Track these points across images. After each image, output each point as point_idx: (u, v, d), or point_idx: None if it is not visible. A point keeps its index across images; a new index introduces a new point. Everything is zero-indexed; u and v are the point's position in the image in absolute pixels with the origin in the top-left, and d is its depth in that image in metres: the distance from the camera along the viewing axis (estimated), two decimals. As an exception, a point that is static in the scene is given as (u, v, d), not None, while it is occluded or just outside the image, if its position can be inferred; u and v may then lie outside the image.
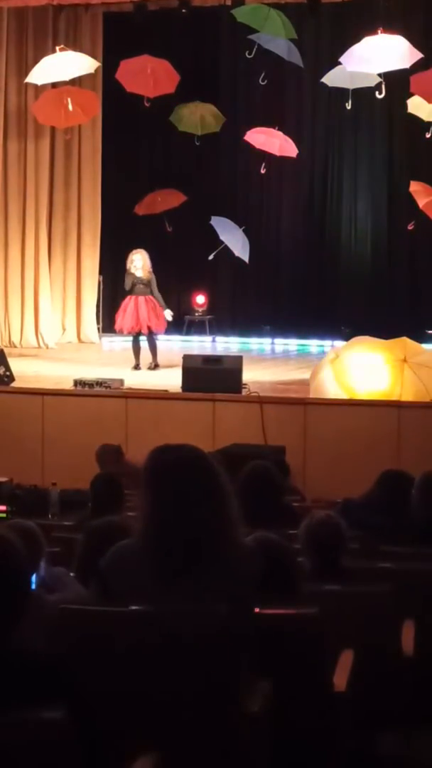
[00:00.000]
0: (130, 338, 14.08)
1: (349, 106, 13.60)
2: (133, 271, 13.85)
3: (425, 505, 5.48)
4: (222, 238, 14.57)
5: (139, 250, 13.95)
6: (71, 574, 4.38)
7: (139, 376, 13.27)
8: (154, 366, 13.84)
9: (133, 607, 3.20)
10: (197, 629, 3.14)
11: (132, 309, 13.87)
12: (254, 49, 13.08)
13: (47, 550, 4.42)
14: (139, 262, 13.84)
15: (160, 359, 13.95)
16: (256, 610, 3.55)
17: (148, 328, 13.86)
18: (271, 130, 14.54)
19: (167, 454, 3.43)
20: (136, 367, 13.89)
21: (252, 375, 12.46)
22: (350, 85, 13.30)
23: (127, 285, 13.90)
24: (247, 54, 13.22)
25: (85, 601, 3.51)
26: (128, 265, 13.92)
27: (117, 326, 14.25)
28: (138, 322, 13.85)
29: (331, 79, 13.57)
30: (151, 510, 3.36)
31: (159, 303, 14.00)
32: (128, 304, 13.96)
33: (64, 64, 13.49)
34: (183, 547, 3.27)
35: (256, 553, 3.47)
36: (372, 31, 12.47)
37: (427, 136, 13.59)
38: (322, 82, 13.83)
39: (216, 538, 3.30)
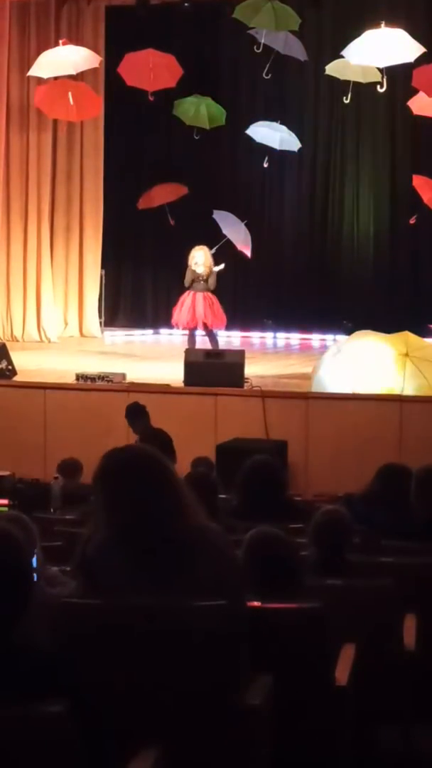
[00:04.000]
0: (133, 332, 14.06)
1: (347, 100, 13.55)
2: (193, 267, 13.85)
3: (425, 499, 5.47)
4: (224, 231, 14.56)
5: (201, 246, 13.94)
6: (67, 569, 4.37)
7: (141, 370, 13.27)
8: None
9: (132, 601, 3.20)
10: (194, 620, 3.14)
11: (189, 304, 13.86)
12: (261, 45, 13.03)
13: (45, 544, 4.41)
14: (200, 259, 13.82)
15: (160, 354, 13.94)
16: (258, 604, 3.55)
17: (204, 324, 13.86)
18: (272, 124, 14.52)
19: (116, 454, 3.44)
20: None
21: (254, 369, 12.46)
22: (363, 79, 13.23)
23: (187, 281, 13.90)
24: (255, 48, 13.15)
25: (85, 596, 3.51)
26: (189, 261, 13.92)
27: (173, 320, 14.24)
28: (194, 318, 13.85)
29: (340, 71, 13.47)
30: (108, 511, 3.36)
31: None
32: (185, 299, 13.94)
33: (67, 58, 13.46)
34: (151, 539, 3.27)
35: (223, 534, 3.46)
36: (375, 24, 12.45)
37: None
38: (330, 75, 13.76)
39: (179, 525, 3.29)
